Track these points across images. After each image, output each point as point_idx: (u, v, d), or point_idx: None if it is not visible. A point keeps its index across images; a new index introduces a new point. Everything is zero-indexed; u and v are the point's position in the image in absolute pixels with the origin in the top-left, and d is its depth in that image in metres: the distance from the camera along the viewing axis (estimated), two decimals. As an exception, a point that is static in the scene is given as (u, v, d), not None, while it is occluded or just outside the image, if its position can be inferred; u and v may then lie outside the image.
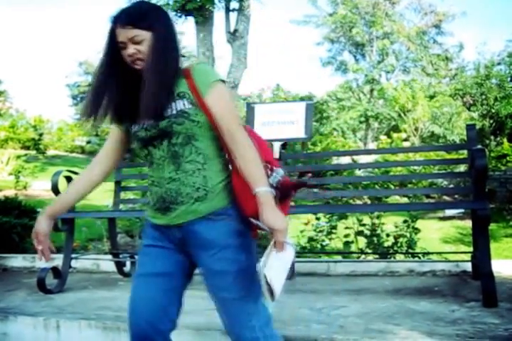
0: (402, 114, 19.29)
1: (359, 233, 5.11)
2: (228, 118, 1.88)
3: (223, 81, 1.93)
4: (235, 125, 1.87)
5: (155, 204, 1.96)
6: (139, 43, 1.91)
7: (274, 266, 1.80)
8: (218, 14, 6.90)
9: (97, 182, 2.10)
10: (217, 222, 1.90)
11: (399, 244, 4.97)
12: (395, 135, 17.07)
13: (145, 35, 1.89)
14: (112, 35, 1.92)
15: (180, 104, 1.92)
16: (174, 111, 1.91)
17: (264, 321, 1.95)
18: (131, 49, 1.90)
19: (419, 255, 4.81)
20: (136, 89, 1.91)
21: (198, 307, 3.02)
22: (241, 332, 1.91)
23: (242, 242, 1.91)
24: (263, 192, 1.78)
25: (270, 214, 1.77)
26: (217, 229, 1.89)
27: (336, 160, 12.41)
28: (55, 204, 2.09)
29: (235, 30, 6.70)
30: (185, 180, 1.92)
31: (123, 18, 1.92)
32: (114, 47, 1.93)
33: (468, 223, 8.31)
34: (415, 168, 10.08)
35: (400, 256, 4.97)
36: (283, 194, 1.91)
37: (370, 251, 4.95)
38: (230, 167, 1.96)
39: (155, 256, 1.97)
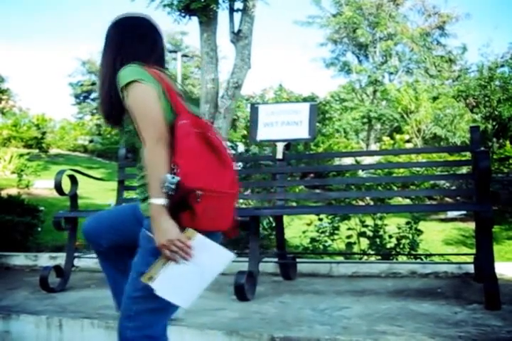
0: (405, 116, 19.28)
1: (361, 234, 5.11)
2: (139, 125, 1.84)
3: (135, 81, 1.84)
4: (144, 132, 1.81)
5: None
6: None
7: (167, 279, 1.81)
8: (222, 14, 6.90)
9: None
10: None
11: (401, 246, 4.96)
12: (397, 136, 17.06)
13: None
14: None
15: (125, 119, 1.96)
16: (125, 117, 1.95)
17: (145, 329, 1.88)
18: None
19: (422, 256, 4.81)
20: None
21: (201, 307, 3.03)
22: (120, 321, 1.90)
23: (147, 248, 1.88)
24: (151, 204, 1.78)
25: (154, 228, 1.78)
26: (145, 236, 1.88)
27: (338, 161, 12.41)
28: None
29: (239, 31, 6.69)
30: (137, 181, 2.03)
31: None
32: None
33: (470, 225, 8.31)
34: (418, 169, 10.08)
35: (402, 258, 4.97)
36: (176, 202, 1.77)
37: (372, 252, 4.95)
38: None
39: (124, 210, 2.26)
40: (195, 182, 1.76)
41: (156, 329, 1.91)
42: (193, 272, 1.84)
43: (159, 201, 1.76)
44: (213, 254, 1.87)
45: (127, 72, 1.87)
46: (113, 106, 1.96)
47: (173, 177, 1.74)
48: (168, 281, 1.82)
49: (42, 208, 6.44)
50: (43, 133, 18.26)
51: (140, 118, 1.83)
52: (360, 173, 9.94)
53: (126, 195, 5.11)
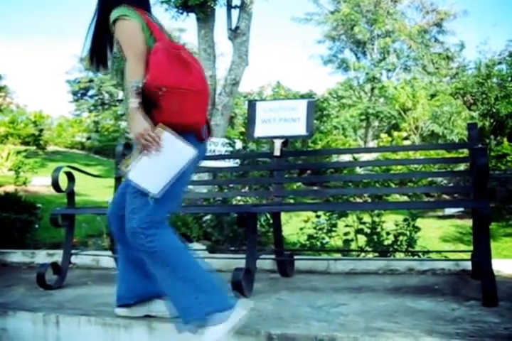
0: (403, 113, 19.28)
1: (359, 231, 5.11)
2: (124, 49, 2.40)
3: (120, 17, 2.39)
4: (127, 53, 2.38)
5: None
6: None
7: (140, 168, 2.30)
8: (220, 11, 6.89)
9: None
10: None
11: (399, 243, 4.97)
12: (395, 133, 17.07)
13: None
14: None
15: (114, 48, 2.52)
16: (113, 53, 2.54)
17: (145, 217, 2.37)
18: None
19: (419, 253, 4.81)
20: None
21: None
22: (127, 217, 2.41)
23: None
24: (128, 104, 2.31)
25: (130, 124, 2.32)
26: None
27: (335, 158, 12.41)
28: None
29: (237, 27, 6.69)
30: (125, 105, 2.45)
31: None
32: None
33: (467, 222, 8.33)
34: (415, 166, 10.08)
35: (399, 255, 4.97)
36: (145, 99, 2.29)
37: (370, 249, 4.95)
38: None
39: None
40: (157, 83, 2.27)
41: (155, 217, 2.38)
42: (161, 163, 2.30)
43: (134, 101, 2.28)
44: (179, 149, 2.32)
45: (115, 12, 2.41)
46: (99, 46, 2.60)
47: (137, 81, 2.29)
48: (140, 169, 2.30)
49: (39, 205, 6.43)
50: (41, 131, 18.21)
51: (125, 45, 2.39)
52: (358, 170, 9.92)
53: (124, 191, 5.11)
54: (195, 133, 2.45)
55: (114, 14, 2.40)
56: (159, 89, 2.26)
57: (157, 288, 2.53)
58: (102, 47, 2.63)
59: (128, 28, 2.41)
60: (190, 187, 4.84)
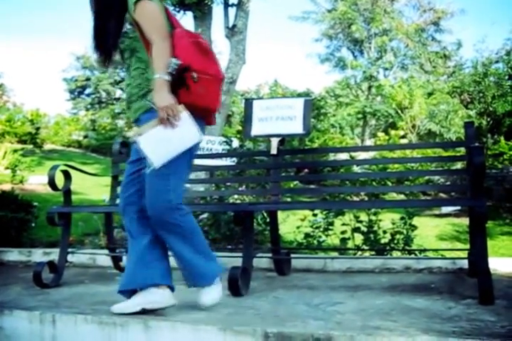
0: (400, 111, 19.29)
1: (356, 229, 5.11)
2: (148, 30, 2.52)
3: None
4: (153, 35, 2.50)
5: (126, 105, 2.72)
6: None
7: (152, 137, 2.46)
8: (217, 9, 6.88)
9: None
10: (153, 113, 2.53)
11: (395, 241, 4.97)
12: (392, 132, 17.06)
13: None
14: None
15: (125, 27, 2.66)
16: (125, 33, 2.66)
17: (180, 194, 2.68)
18: None
19: (416, 252, 4.81)
20: None
21: (194, 302, 3.02)
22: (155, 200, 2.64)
23: None
24: (156, 78, 2.46)
25: (156, 96, 2.47)
26: (154, 118, 2.52)
27: (333, 157, 12.40)
28: None
29: (234, 26, 6.68)
30: (133, 83, 2.66)
31: None
32: None
33: (464, 220, 8.33)
34: (412, 164, 10.09)
35: (396, 253, 4.97)
36: (177, 79, 2.47)
37: (366, 247, 4.95)
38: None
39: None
40: (191, 67, 2.47)
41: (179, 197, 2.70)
42: (170, 138, 2.48)
43: (164, 77, 2.45)
44: (190, 131, 2.53)
45: None
46: (114, 31, 2.64)
47: (177, 60, 2.45)
48: (151, 139, 2.47)
49: (36, 204, 6.43)
50: (37, 129, 18.18)
51: (149, 25, 2.51)
52: (355, 169, 9.93)
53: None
54: (206, 118, 2.75)
55: None
56: (192, 72, 2.49)
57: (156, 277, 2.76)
58: (111, 32, 2.67)
59: (153, 9, 2.53)
60: (188, 185, 4.84)
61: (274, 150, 4.01)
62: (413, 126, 18.42)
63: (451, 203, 6.68)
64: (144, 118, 2.63)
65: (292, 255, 4.34)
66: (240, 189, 5.57)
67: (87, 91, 32.98)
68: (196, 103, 2.55)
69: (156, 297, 2.75)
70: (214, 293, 2.80)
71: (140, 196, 2.77)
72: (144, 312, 2.74)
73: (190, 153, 2.69)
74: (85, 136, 21.16)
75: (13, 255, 4.96)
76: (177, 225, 2.68)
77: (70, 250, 4.03)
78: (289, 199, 6.17)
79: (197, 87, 2.52)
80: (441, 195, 10.35)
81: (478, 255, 2.92)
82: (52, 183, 3.79)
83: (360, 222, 5.09)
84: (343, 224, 5.14)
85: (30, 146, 16.92)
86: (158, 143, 2.47)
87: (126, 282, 2.84)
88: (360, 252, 5.03)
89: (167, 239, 2.74)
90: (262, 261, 4.08)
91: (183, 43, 2.53)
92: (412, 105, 18.65)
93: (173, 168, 2.59)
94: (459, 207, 8.84)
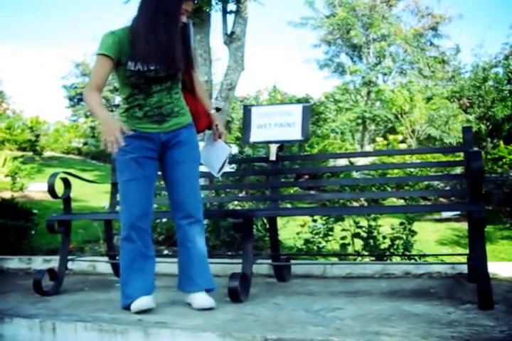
0: (399, 116, 19.31)
1: (355, 235, 5.11)
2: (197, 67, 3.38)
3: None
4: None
5: (152, 118, 3.07)
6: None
7: (207, 150, 3.37)
8: (215, 16, 6.90)
9: None
10: (189, 129, 3.19)
11: (395, 246, 4.97)
12: (391, 137, 17.07)
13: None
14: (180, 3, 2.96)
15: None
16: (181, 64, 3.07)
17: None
18: (184, 18, 3.04)
19: (416, 257, 4.81)
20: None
21: (194, 309, 3.03)
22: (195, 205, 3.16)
23: (197, 143, 3.25)
24: (213, 113, 3.40)
25: (220, 123, 3.40)
26: (190, 133, 3.19)
27: (332, 163, 12.40)
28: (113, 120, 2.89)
29: (232, 33, 6.70)
30: (175, 103, 3.12)
31: None
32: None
33: (464, 225, 8.31)
34: (412, 170, 10.09)
35: (396, 258, 4.97)
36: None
37: (366, 253, 4.95)
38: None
39: (144, 164, 3.06)
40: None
41: None
42: (215, 151, 3.38)
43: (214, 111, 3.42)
44: (222, 146, 3.42)
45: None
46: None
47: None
48: (206, 154, 3.38)
49: (36, 211, 6.43)
50: (37, 136, 18.16)
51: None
52: (354, 174, 9.94)
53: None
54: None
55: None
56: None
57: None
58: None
59: None
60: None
61: (273, 157, 4.02)
62: (413, 131, 18.44)
63: (450, 208, 6.68)
64: (184, 131, 3.15)
65: (292, 261, 4.34)
66: (240, 195, 5.58)
67: (87, 98, 32.97)
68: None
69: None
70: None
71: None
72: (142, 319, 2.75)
73: None
74: (85, 143, 21.16)
75: (13, 262, 4.96)
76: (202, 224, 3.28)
77: (70, 257, 4.04)
78: (288, 205, 6.18)
79: None
80: (442, 199, 10.34)
81: (478, 260, 2.93)
82: (51, 191, 3.80)
83: (360, 227, 5.09)
84: (343, 230, 5.14)
85: (30, 153, 16.92)
86: (212, 156, 3.39)
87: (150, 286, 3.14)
88: (359, 258, 5.03)
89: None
90: (262, 267, 4.09)
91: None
92: (411, 110, 18.67)
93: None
94: (459, 212, 8.82)
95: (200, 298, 3.05)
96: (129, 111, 3.09)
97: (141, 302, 2.99)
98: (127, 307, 3.03)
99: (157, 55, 2.91)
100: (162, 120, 3.07)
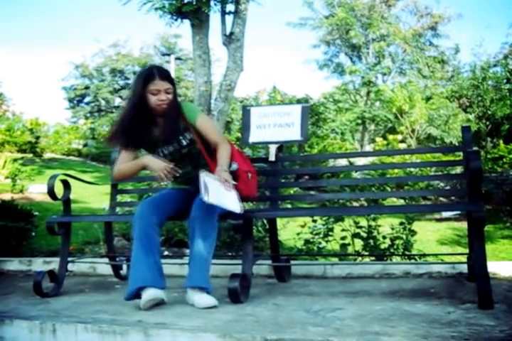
0: (399, 116, 19.32)
1: (355, 235, 5.11)
2: (215, 134, 3.33)
3: (202, 110, 3.22)
4: (219, 138, 3.33)
5: (181, 182, 3.46)
6: (169, 94, 3.20)
7: (211, 185, 3.01)
8: (214, 17, 6.89)
9: None
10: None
11: (395, 246, 4.98)
12: (390, 137, 17.08)
13: (172, 89, 3.22)
14: (146, 84, 3.14)
15: (188, 135, 3.32)
16: (188, 141, 3.33)
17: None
18: (163, 96, 3.16)
19: (416, 257, 4.82)
20: (150, 125, 3.31)
21: (194, 310, 3.03)
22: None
23: None
24: (219, 167, 3.16)
25: (222, 172, 3.16)
26: None
27: (332, 163, 12.42)
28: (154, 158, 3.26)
29: (231, 33, 6.69)
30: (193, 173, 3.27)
31: (163, 74, 3.18)
32: (144, 92, 3.17)
33: (464, 224, 8.32)
34: (412, 169, 10.10)
35: (396, 258, 4.98)
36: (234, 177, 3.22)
37: (366, 253, 4.96)
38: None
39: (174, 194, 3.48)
40: (245, 168, 3.42)
41: None
42: (218, 189, 3.05)
43: (223, 168, 3.19)
44: (237, 201, 3.14)
45: (194, 105, 3.72)
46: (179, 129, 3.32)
47: (235, 164, 3.34)
48: (212, 187, 3.02)
49: (36, 213, 6.42)
50: (37, 138, 18.18)
51: (215, 130, 3.39)
52: (354, 174, 9.94)
53: (120, 198, 5.11)
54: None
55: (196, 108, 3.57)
56: (248, 172, 3.45)
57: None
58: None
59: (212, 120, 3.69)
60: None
61: (272, 157, 4.02)
62: (412, 131, 18.46)
63: (449, 208, 6.68)
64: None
65: (292, 261, 4.34)
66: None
67: (87, 99, 33.07)
68: (248, 193, 3.39)
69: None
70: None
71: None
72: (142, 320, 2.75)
73: None
74: (85, 145, 21.18)
75: (13, 264, 4.96)
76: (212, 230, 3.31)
77: (70, 259, 4.03)
78: (288, 206, 6.18)
79: (250, 182, 3.45)
80: (442, 199, 10.35)
81: (477, 259, 2.92)
82: (51, 193, 3.80)
83: (360, 227, 5.09)
84: (343, 230, 5.15)
85: (30, 155, 16.93)
86: (216, 191, 3.04)
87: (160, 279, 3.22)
88: (359, 258, 5.03)
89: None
90: (262, 267, 4.09)
91: (234, 152, 3.40)
92: (411, 110, 18.69)
93: None
94: (458, 211, 8.83)
95: (202, 297, 3.06)
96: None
97: (151, 291, 3.08)
98: (135, 294, 3.12)
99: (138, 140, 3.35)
100: (190, 182, 3.44)
